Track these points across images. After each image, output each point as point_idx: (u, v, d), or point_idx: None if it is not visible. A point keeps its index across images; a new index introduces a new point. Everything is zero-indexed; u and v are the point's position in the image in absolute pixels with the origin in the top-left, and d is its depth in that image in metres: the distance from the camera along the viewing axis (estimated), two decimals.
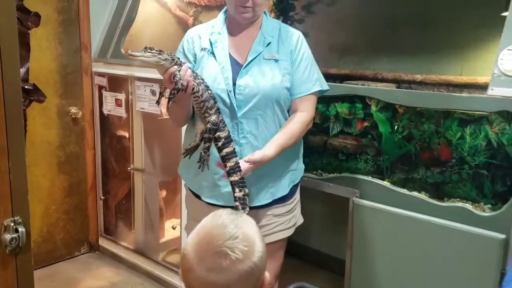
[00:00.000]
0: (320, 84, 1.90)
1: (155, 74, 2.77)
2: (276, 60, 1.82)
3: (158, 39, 3.16)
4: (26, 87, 2.90)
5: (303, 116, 1.86)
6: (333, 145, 2.20)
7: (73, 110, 3.21)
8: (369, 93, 2.05)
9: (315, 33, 2.72)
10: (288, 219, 1.91)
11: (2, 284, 1.10)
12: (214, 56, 1.84)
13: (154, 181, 3.13)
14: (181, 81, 1.71)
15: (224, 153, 1.73)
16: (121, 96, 3.09)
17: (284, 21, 2.78)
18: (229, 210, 1.15)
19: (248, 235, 1.06)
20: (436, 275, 1.87)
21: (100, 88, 3.25)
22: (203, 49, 1.87)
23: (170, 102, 1.75)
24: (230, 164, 1.71)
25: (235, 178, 1.71)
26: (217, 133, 1.75)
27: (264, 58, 1.82)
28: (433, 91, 2.20)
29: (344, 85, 2.17)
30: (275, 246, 1.90)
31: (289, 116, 1.90)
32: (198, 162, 1.82)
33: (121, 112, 3.14)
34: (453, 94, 1.89)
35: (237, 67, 1.82)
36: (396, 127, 2.00)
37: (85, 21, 3.17)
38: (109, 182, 3.40)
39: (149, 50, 1.72)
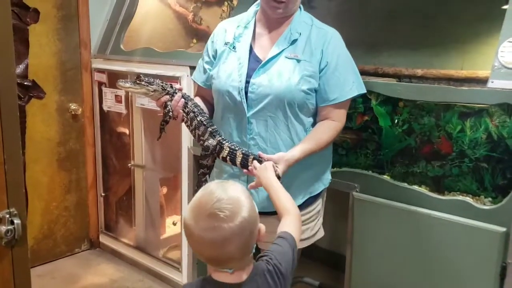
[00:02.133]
0: (357, 88, 1.78)
1: (154, 70, 2.77)
2: (298, 60, 1.72)
3: (157, 35, 3.15)
4: (25, 83, 2.91)
5: (334, 125, 1.77)
6: None
7: (73, 106, 3.21)
8: (369, 87, 2.03)
9: None
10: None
11: None
12: (236, 51, 1.78)
13: (154, 178, 3.13)
14: (170, 113, 1.74)
15: (240, 163, 1.69)
16: (121, 93, 3.08)
17: None
18: (217, 180, 1.31)
19: (234, 196, 1.21)
20: (437, 269, 1.86)
21: (100, 84, 3.25)
22: (226, 44, 1.81)
23: (162, 132, 1.80)
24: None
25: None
26: (220, 155, 1.73)
27: (286, 57, 1.72)
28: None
29: None
30: None
31: (314, 122, 1.80)
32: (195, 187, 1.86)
33: (121, 108, 3.14)
34: (453, 87, 1.87)
35: (257, 64, 1.74)
36: (396, 121, 1.99)
37: (85, 17, 3.17)
38: (109, 178, 3.40)
39: (138, 81, 1.75)
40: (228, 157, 1.70)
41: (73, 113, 3.22)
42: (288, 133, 1.74)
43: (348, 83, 1.76)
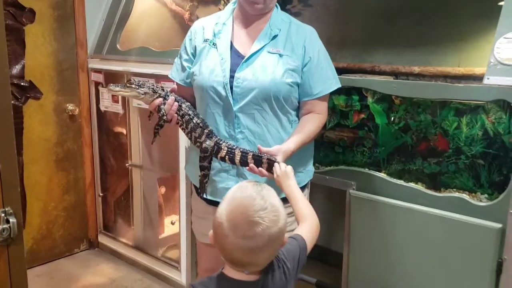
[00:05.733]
0: (336, 82, 1.85)
1: (151, 70, 2.78)
2: (280, 55, 1.75)
3: (154, 34, 3.15)
4: (22, 83, 2.91)
5: (320, 118, 1.82)
6: (330, 138, 2.19)
7: (70, 107, 3.21)
8: (365, 85, 2.04)
9: (312, 26, 2.70)
10: (289, 222, 1.76)
11: None
12: (216, 47, 1.80)
13: (152, 177, 3.13)
14: (164, 116, 1.75)
15: (239, 162, 1.69)
16: None
17: None
18: (252, 182, 1.30)
19: (275, 205, 1.23)
20: (434, 265, 1.87)
21: (97, 84, 3.24)
22: (205, 40, 1.83)
23: (156, 136, 1.81)
24: (255, 162, 1.66)
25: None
26: (218, 155, 1.73)
27: (268, 52, 1.76)
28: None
29: (341, 77, 2.14)
30: None
31: (298, 115, 1.85)
32: (198, 188, 1.85)
33: (118, 108, 3.14)
34: (449, 84, 1.87)
35: (239, 59, 1.76)
36: (392, 118, 1.99)
37: (81, 17, 3.16)
38: (107, 178, 3.40)
39: (128, 84, 1.76)
40: (226, 156, 1.71)
41: (70, 113, 3.21)
42: (275, 125, 1.78)
43: (329, 77, 1.82)
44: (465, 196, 1.80)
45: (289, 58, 1.76)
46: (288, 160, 1.68)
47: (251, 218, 1.18)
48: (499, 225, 1.69)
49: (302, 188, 1.88)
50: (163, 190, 3.23)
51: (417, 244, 1.90)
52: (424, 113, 1.90)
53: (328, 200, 2.78)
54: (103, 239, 3.45)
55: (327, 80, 1.81)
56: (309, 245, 1.42)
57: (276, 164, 1.61)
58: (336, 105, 2.15)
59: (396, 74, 2.31)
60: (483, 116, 1.75)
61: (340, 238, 2.19)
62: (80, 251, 3.44)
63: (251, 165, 1.65)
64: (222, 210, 1.24)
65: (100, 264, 3.28)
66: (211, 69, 1.77)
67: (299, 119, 1.85)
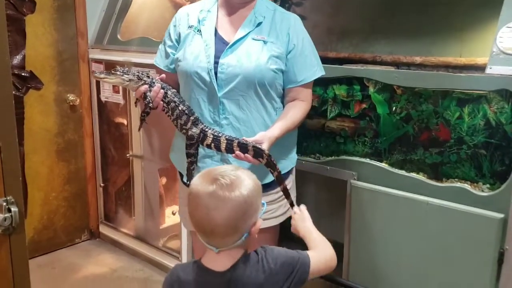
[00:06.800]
0: (320, 69, 1.87)
1: (151, 60, 2.75)
2: (265, 42, 1.77)
3: (154, 24, 3.14)
4: (23, 74, 2.90)
5: (304, 105, 1.84)
6: (331, 128, 2.18)
7: (71, 97, 3.20)
8: (367, 75, 2.03)
9: (313, 16, 2.69)
10: (274, 208, 1.86)
11: None
12: (201, 34, 1.81)
13: (153, 168, 3.13)
14: (150, 104, 1.75)
15: (225, 149, 1.70)
16: None
17: (282, 4, 2.75)
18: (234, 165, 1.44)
19: (239, 174, 1.28)
20: (435, 256, 1.87)
21: None
22: (189, 27, 1.84)
23: (143, 123, 1.81)
24: (239, 150, 1.67)
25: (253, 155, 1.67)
26: (204, 143, 1.74)
27: (253, 39, 1.77)
28: None
29: (342, 67, 2.15)
30: (260, 235, 1.87)
31: (283, 103, 1.87)
32: (186, 177, 1.84)
33: (119, 98, 3.13)
34: (451, 74, 1.86)
35: (223, 46, 1.78)
36: (394, 108, 1.98)
37: (81, 7, 3.15)
38: (108, 169, 3.40)
39: (113, 71, 1.77)
40: (212, 144, 1.72)
41: (71, 103, 3.21)
42: (260, 111, 1.79)
43: (313, 64, 1.85)
44: (467, 186, 1.80)
45: (274, 45, 1.77)
46: (272, 148, 1.70)
47: (213, 176, 1.26)
48: (501, 215, 1.69)
49: (287, 175, 1.90)
50: (164, 180, 3.23)
51: (419, 234, 1.90)
52: (426, 103, 1.89)
53: (329, 191, 2.78)
54: (104, 229, 3.46)
55: (311, 67, 1.83)
56: (315, 267, 1.39)
57: (291, 208, 1.68)
58: (338, 95, 2.14)
59: (397, 64, 2.30)
60: (485, 106, 1.75)
61: (341, 228, 2.19)
62: (81, 241, 3.45)
63: (237, 152, 1.66)
64: (196, 176, 1.34)
65: (101, 254, 3.29)
66: (196, 55, 1.78)
67: (284, 107, 1.87)
